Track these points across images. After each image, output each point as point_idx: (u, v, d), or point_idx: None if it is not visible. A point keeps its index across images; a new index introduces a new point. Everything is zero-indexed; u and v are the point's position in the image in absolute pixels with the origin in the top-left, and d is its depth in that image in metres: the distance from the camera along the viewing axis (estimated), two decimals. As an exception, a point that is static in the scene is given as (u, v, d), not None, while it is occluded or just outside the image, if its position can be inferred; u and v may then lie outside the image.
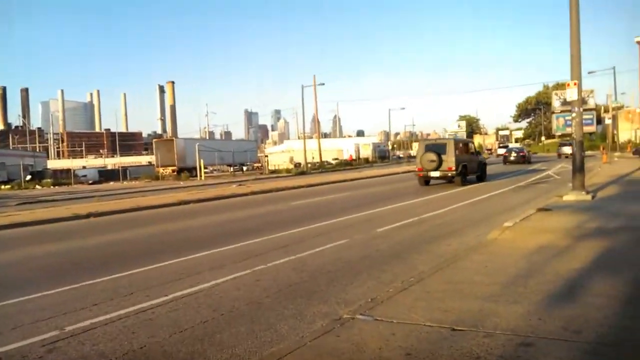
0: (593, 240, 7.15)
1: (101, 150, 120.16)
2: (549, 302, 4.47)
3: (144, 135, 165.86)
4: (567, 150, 37.64)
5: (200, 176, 41.64)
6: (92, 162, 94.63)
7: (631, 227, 7.88)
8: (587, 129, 65.64)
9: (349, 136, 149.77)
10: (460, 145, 20.64)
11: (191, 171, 43.88)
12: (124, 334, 4.51)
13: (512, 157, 36.10)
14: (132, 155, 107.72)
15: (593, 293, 4.66)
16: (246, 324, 4.63)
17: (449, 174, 19.30)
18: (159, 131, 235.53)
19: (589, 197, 12.00)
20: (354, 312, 4.55)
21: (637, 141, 52.02)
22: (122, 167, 57.81)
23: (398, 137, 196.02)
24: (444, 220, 10.76)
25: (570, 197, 12.10)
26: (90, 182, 46.43)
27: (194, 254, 8.04)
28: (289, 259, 7.34)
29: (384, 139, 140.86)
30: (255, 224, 11.82)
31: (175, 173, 44.23)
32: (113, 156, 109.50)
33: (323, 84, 53.58)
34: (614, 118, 52.89)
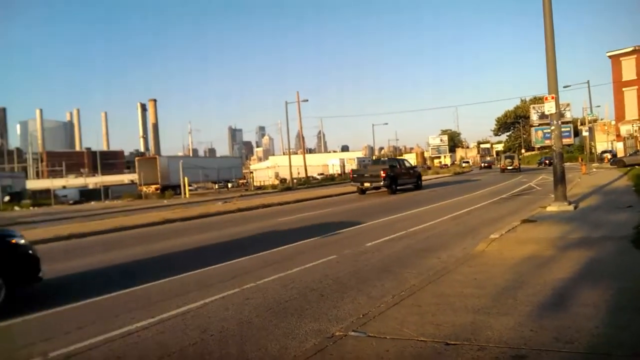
0: (577, 250, 7.26)
1: (82, 170, 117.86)
2: (539, 313, 4.49)
3: (126, 153, 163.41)
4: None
5: (185, 194, 41.19)
6: (73, 181, 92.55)
7: (614, 237, 8.02)
8: (565, 141, 67.28)
9: (334, 151, 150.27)
10: (517, 156, 52.64)
11: (175, 189, 43.34)
12: (110, 359, 4.38)
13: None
14: (113, 174, 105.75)
15: (581, 303, 4.70)
16: (236, 345, 4.54)
17: (514, 168, 45.71)
18: (142, 149, 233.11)
19: (571, 207, 12.21)
20: (346, 328, 4.51)
21: (615, 152, 53.27)
22: (103, 186, 56.82)
23: (382, 152, 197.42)
24: (432, 233, 10.81)
25: (553, 207, 12.30)
26: (71, 202, 45.50)
27: (180, 274, 7.90)
28: (278, 276, 7.27)
29: (369, 153, 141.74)
30: (242, 242, 11.71)
31: (159, 191, 43.64)
32: (94, 175, 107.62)
33: (307, 100, 53.63)
34: (591, 130, 54.22)
